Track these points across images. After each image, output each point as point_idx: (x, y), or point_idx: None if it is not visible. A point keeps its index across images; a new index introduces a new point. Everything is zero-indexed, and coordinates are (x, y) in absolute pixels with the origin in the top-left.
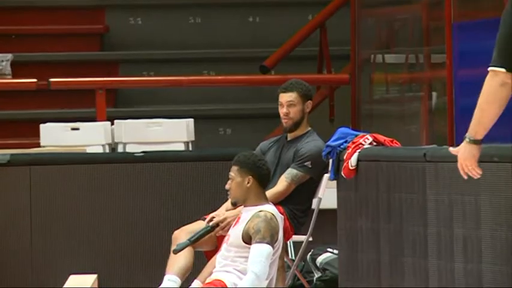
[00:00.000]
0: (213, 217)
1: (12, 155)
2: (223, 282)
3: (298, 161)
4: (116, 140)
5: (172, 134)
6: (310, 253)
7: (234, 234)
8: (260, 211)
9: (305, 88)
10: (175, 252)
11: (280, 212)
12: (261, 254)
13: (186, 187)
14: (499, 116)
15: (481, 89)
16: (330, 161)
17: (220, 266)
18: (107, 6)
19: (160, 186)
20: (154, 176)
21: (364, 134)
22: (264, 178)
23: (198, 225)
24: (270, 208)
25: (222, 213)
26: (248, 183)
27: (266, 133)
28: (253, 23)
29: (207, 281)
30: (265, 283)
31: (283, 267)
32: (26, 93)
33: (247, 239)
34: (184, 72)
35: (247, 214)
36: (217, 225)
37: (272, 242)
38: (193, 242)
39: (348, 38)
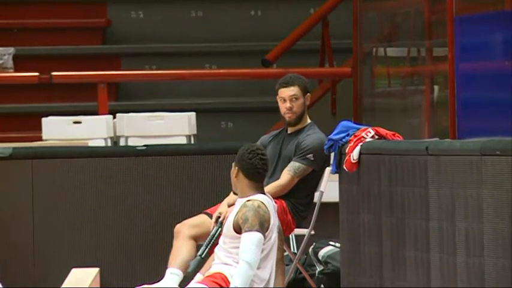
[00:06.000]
0: (218, 217)
1: (14, 148)
2: (223, 274)
3: (300, 153)
4: (117, 134)
5: (174, 127)
6: (312, 246)
7: (226, 225)
8: (248, 200)
9: (304, 82)
10: (190, 274)
11: (283, 206)
12: (251, 242)
13: (188, 180)
14: (500, 110)
15: (483, 82)
16: (332, 154)
17: (218, 258)
18: (109, 0)
19: (162, 179)
20: (156, 169)
21: (366, 127)
22: (249, 171)
23: (201, 219)
24: (260, 197)
25: (224, 209)
26: (236, 174)
27: (268, 127)
28: (255, 17)
29: (207, 274)
30: (265, 273)
31: (282, 260)
32: (28, 87)
33: (238, 229)
34: (186, 66)
35: (238, 205)
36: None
37: (262, 229)
38: (206, 255)
39: (349, 32)
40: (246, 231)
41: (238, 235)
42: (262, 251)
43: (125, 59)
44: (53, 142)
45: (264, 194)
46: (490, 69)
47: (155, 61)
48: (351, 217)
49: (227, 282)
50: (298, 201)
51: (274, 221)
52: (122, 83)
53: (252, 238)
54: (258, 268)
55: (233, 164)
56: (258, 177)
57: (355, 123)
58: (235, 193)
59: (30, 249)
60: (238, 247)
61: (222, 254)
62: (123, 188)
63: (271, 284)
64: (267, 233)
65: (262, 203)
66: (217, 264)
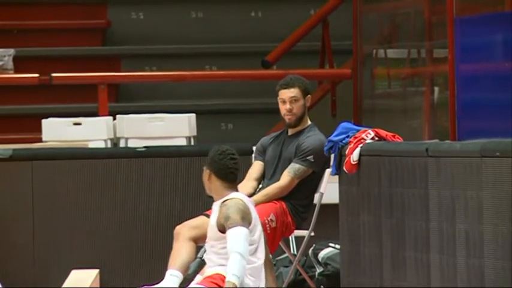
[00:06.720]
0: None
1: (14, 149)
2: (222, 275)
3: (300, 155)
4: (118, 135)
5: (174, 129)
6: (312, 248)
7: (210, 229)
8: (224, 201)
9: (305, 83)
10: (190, 276)
11: (283, 207)
12: (239, 235)
13: (188, 182)
14: (500, 111)
15: (483, 83)
16: (332, 155)
17: (211, 261)
18: (109, 1)
19: (162, 181)
20: (156, 171)
21: (366, 128)
22: (221, 172)
23: (201, 220)
24: (236, 195)
25: None
26: (208, 177)
27: (268, 128)
28: (255, 18)
29: (205, 275)
30: (258, 270)
31: (268, 259)
32: (28, 88)
33: (222, 229)
34: (186, 67)
35: (216, 207)
36: None
37: (245, 223)
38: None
39: (350, 33)
40: (230, 227)
41: (224, 235)
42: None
43: (125, 60)
44: (53, 143)
45: (237, 192)
46: (490, 71)
47: (155, 62)
48: (350, 218)
49: None
50: (298, 202)
51: (256, 217)
52: (122, 84)
53: (237, 232)
54: (249, 264)
55: (204, 167)
56: (231, 177)
57: (355, 124)
58: (208, 196)
59: (30, 249)
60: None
61: (213, 257)
62: (123, 189)
63: (263, 281)
64: (250, 228)
65: (240, 199)
66: (212, 267)
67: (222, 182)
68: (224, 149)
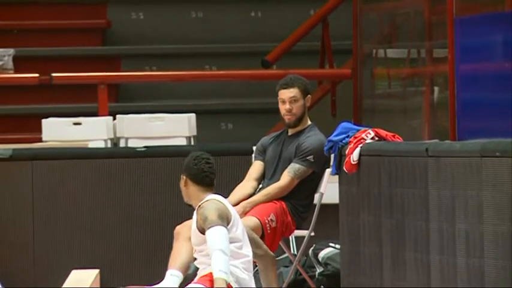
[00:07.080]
0: None
1: (14, 149)
2: None
3: (300, 155)
4: (118, 135)
5: (174, 128)
6: (312, 248)
7: (194, 235)
8: (201, 204)
9: (305, 83)
10: (190, 276)
11: (283, 207)
12: (218, 234)
13: None
14: (500, 111)
15: (483, 83)
16: (332, 155)
17: (203, 263)
18: (109, 1)
19: (162, 181)
20: (156, 170)
21: (366, 128)
22: (197, 176)
23: None
24: (212, 196)
25: None
26: (185, 183)
27: (267, 128)
28: (255, 18)
29: (201, 275)
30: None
31: (267, 255)
32: (28, 88)
33: (203, 231)
34: (186, 67)
35: (195, 214)
36: None
37: (223, 221)
38: None
39: (349, 33)
40: (208, 228)
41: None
42: (232, 243)
43: (125, 60)
44: (53, 143)
45: (211, 194)
46: (490, 71)
47: (155, 62)
48: (350, 218)
49: None
50: (298, 202)
51: (235, 215)
52: (122, 84)
53: (216, 231)
54: (242, 258)
55: (181, 175)
56: (207, 181)
57: (355, 124)
58: (188, 205)
59: (30, 249)
60: None
61: (204, 259)
62: (123, 189)
63: (253, 280)
64: (229, 226)
65: (215, 199)
66: (204, 269)
67: (198, 186)
68: (199, 153)
